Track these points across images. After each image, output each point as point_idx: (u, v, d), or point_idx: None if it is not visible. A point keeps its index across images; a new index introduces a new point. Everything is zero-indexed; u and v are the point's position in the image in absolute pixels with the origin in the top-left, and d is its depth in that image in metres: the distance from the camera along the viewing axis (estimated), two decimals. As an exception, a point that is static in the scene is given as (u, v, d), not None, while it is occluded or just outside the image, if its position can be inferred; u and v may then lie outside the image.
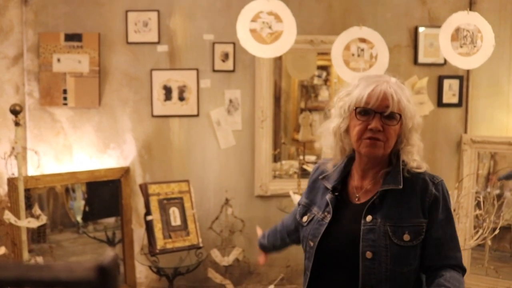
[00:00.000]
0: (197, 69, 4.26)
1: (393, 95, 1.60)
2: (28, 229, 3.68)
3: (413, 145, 1.67)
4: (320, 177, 1.82)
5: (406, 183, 1.64)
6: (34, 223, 3.60)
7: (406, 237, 1.59)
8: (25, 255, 3.58)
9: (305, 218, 1.79)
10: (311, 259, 1.70)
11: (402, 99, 1.62)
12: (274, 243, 2.17)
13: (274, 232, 2.18)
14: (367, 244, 1.60)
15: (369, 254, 1.59)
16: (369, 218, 1.63)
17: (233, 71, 4.28)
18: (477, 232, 3.87)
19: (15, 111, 3.48)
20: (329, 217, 1.70)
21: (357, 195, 1.73)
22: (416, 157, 1.67)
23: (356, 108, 1.63)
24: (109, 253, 0.54)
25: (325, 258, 1.69)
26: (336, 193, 1.74)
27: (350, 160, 1.78)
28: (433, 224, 1.62)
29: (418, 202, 1.63)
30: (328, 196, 1.74)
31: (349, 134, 1.70)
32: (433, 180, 1.67)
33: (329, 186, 1.76)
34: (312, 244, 1.70)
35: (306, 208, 1.83)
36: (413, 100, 1.68)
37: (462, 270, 1.67)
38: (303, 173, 4.40)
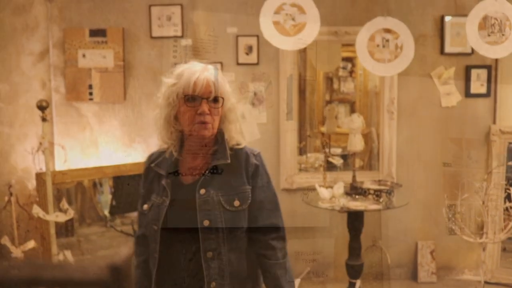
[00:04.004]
0: (221, 63, 4.25)
1: (215, 82, 1.80)
2: (57, 223, 3.73)
3: (233, 123, 1.88)
4: (152, 165, 1.94)
5: (232, 158, 1.86)
6: (62, 217, 3.65)
7: (237, 203, 1.82)
8: (54, 249, 3.63)
9: (145, 207, 1.91)
10: (157, 241, 1.82)
11: (221, 84, 1.82)
12: None
13: None
14: (204, 214, 1.79)
15: (206, 222, 1.79)
16: (202, 191, 1.81)
17: (257, 64, 4.26)
18: (507, 225, 3.80)
19: (42, 107, 3.52)
20: (167, 200, 1.83)
21: (193, 175, 1.88)
22: (234, 134, 1.88)
23: (185, 96, 1.79)
24: (122, 252, 0.53)
25: (169, 237, 1.83)
26: (171, 178, 1.88)
27: (179, 146, 1.91)
28: (255, 189, 1.86)
29: (243, 172, 1.86)
30: (164, 181, 1.87)
31: (179, 120, 1.85)
32: (253, 152, 1.92)
33: (163, 172, 1.89)
34: (156, 227, 1.83)
35: (145, 197, 1.94)
36: (227, 82, 1.87)
37: (282, 240, 1.89)
38: (329, 166, 4.37)
